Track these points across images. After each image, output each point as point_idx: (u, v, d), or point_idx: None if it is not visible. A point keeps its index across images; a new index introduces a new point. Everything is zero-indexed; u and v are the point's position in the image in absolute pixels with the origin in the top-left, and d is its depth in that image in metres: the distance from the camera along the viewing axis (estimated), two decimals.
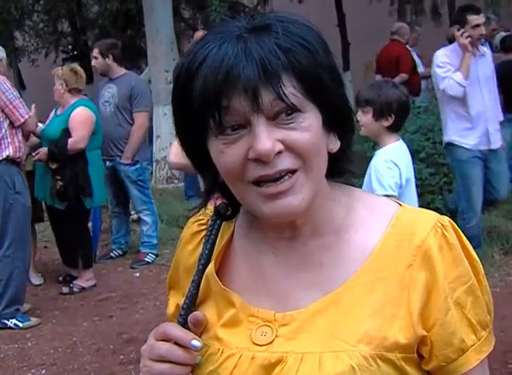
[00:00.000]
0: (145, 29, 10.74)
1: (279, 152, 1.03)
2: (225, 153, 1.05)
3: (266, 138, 1.01)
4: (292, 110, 1.02)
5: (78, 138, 5.91)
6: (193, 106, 1.05)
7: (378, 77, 9.46)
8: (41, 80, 6.32)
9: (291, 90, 1.01)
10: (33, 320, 5.53)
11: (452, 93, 5.80)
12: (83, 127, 5.96)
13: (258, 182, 1.05)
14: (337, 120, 1.10)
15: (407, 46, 9.69)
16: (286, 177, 1.04)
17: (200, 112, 1.04)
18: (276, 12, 1.10)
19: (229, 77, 1.00)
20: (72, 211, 5.99)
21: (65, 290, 6.23)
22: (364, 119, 3.75)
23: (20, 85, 14.47)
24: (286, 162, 1.03)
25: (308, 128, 1.04)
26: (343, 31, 13.66)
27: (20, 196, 5.46)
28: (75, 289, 6.19)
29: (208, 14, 9.90)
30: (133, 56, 14.65)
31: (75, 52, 15.49)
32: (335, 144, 1.12)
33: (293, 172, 1.04)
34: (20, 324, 5.43)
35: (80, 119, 5.98)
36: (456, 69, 5.80)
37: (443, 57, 5.89)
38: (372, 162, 3.76)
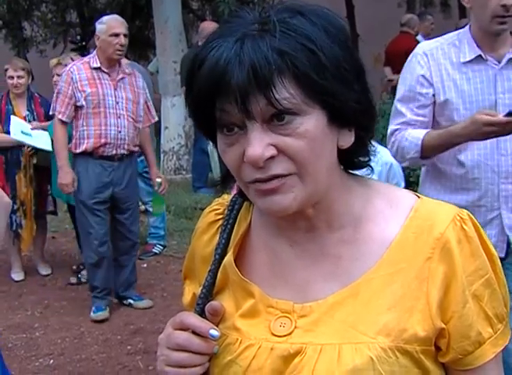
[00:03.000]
0: (153, 20, 10.72)
1: (273, 157, 1.01)
2: (227, 153, 1.06)
3: (257, 145, 1.00)
4: (285, 115, 1.00)
5: None
6: (196, 107, 1.06)
7: (387, 69, 9.45)
8: (49, 71, 6.30)
9: (285, 95, 0.98)
10: (145, 302, 5.60)
11: None
12: None
13: (253, 183, 1.05)
14: (348, 117, 1.06)
15: (421, 36, 9.66)
16: (277, 179, 1.03)
17: (201, 112, 1.05)
18: (292, 2, 1.06)
19: (221, 83, 0.99)
20: None
21: (73, 280, 6.24)
22: None
23: None
24: (280, 167, 1.02)
25: (304, 134, 1.01)
26: (352, 23, 13.61)
27: (78, 188, 5.30)
28: (83, 279, 6.17)
29: (217, 5, 9.86)
30: (142, 47, 14.65)
31: (83, 43, 15.48)
32: (347, 140, 1.09)
33: (285, 175, 1.03)
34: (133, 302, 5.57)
35: None
36: None
37: None
38: (388, 161, 3.72)
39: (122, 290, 5.60)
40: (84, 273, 6.22)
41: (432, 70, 2.80)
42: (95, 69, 5.22)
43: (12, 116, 6.01)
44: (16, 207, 6.09)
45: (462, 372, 1.13)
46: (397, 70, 9.08)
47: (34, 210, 6.18)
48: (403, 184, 3.80)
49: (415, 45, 9.47)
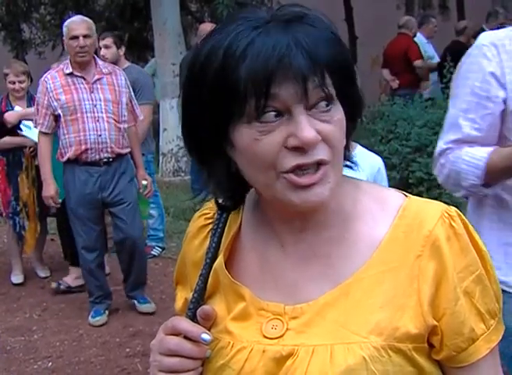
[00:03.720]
0: (152, 22, 10.72)
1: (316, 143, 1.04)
2: (261, 140, 1.04)
3: (309, 127, 1.02)
4: (329, 101, 1.04)
5: None
6: (234, 92, 1.02)
7: (386, 71, 9.46)
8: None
9: (328, 81, 1.04)
10: (148, 306, 5.51)
11: None
12: None
13: (293, 171, 1.04)
14: (355, 117, 1.12)
15: (423, 37, 9.69)
16: (320, 168, 1.05)
17: (243, 95, 1.02)
18: (292, 8, 1.09)
19: (281, 65, 1.00)
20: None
21: (54, 285, 6.05)
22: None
23: None
24: (322, 153, 1.04)
25: (339, 122, 1.06)
26: (351, 25, 13.62)
27: (67, 196, 5.28)
28: (62, 287, 6.01)
29: (215, 7, 9.87)
30: (140, 49, 14.64)
31: None
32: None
33: (325, 163, 1.05)
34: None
35: None
36: None
37: None
38: (376, 164, 3.54)
39: (128, 289, 5.55)
40: (66, 279, 6.06)
41: (505, 66, 2.02)
42: (69, 74, 5.13)
43: (23, 122, 5.92)
44: (18, 209, 6.07)
45: (457, 369, 1.13)
46: (395, 72, 9.15)
47: (38, 211, 6.13)
48: None
49: (413, 44, 9.28)
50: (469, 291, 1.10)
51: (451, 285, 1.08)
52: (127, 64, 6.83)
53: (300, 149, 1.03)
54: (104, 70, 5.23)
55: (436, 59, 9.85)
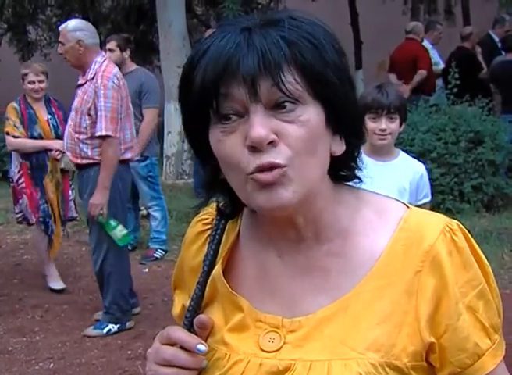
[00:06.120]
0: (158, 24, 10.74)
1: (273, 142, 1.01)
2: (223, 142, 1.04)
3: (260, 125, 1.00)
4: (290, 100, 1.01)
5: None
6: (195, 96, 1.05)
7: (392, 76, 9.42)
8: (53, 75, 6.28)
9: (291, 81, 1.00)
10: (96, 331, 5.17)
11: None
12: None
13: (256, 171, 1.02)
14: (343, 122, 1.07)
15: (428, 42, 9.68)
16: (277, 169, 1.01)
17: (200, 100, 1.04)
18: (290, 10, 1.09)
19: (229, 65, 1.00)
20: None
21: None
22: (394, 126, 3.33)
23: None
24: (280, 156, 1.01)
25: (306, 123, 1.02)
26: (356, 30, 13.62)
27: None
28: None
29: (221, 10, 9.88)
30: (145, 51, 14.67)
31: None
32: (339, 147, 1.09)
33: (279, 166, 1.02)
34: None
35: None
36: None
37: None
38: (419, 170, 3.50)
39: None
40: None
41: None
42: None
43: None
44: (50, 212, 5.92)
45: None
46: (402, 77, 9.12)
47: (63, 215, 6.03)
48: (430, 196, 3.57)
49: (423, 51, 9.24)
50: (472, 306, 1.08)
51: (452, 301, 1.07)
52: (134, 67, 6.84)
53: (256, 149, 1.01)
54: (89, 76, 4.97)
55: (441, 65, 9.84)
